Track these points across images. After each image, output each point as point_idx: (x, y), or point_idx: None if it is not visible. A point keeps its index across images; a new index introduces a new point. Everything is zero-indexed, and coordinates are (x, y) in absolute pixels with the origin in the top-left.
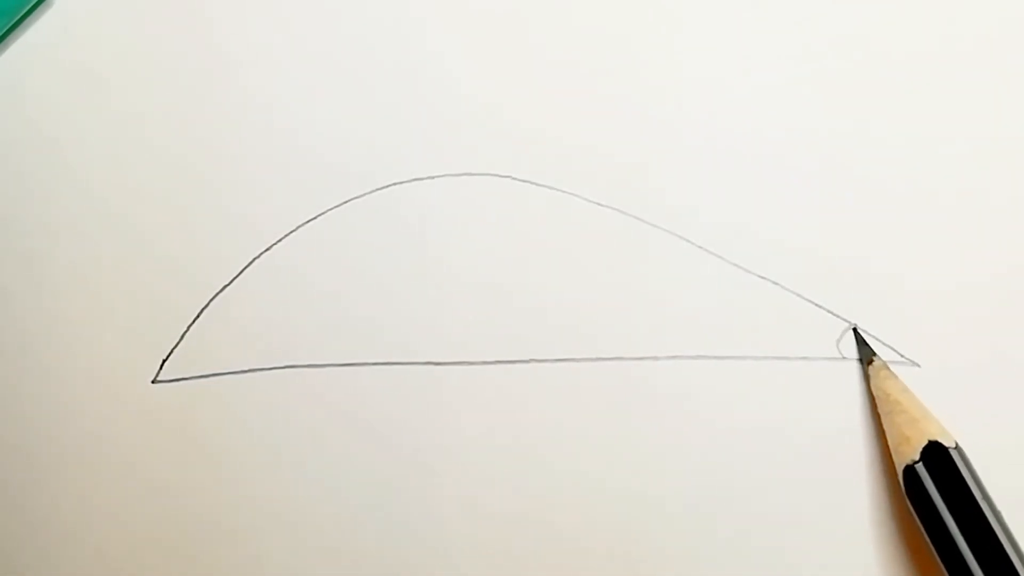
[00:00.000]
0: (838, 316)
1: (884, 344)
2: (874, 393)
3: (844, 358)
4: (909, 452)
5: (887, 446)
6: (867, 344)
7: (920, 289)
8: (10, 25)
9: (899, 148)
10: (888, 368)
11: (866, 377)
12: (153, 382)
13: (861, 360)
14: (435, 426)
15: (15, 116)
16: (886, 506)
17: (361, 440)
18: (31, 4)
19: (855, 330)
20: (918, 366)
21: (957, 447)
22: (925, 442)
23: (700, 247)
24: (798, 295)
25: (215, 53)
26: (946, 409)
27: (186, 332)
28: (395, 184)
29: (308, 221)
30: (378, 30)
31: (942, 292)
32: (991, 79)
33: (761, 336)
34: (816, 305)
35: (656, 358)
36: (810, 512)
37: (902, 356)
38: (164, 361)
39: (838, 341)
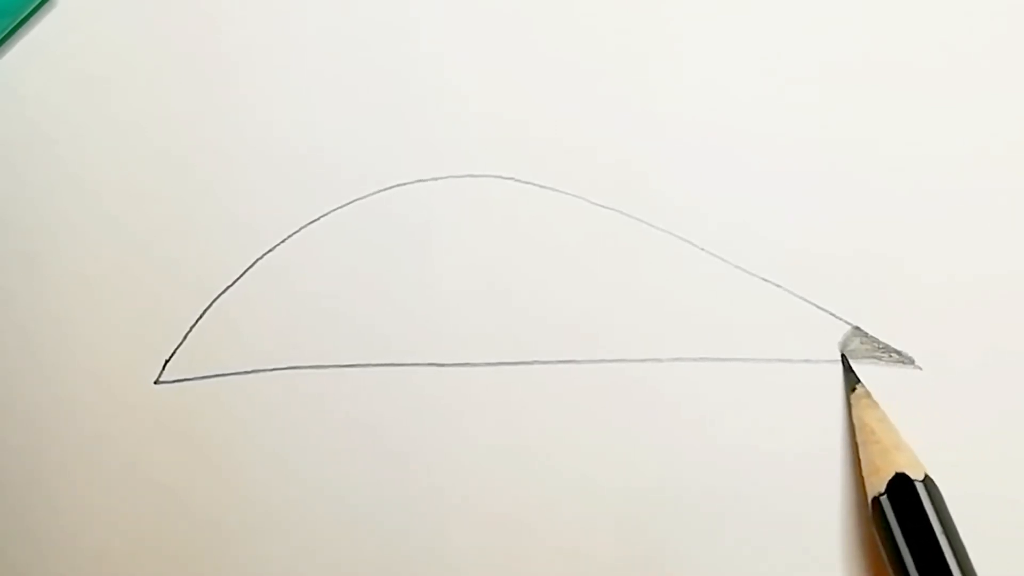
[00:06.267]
0: (840, 318)
1: (885, 345)
2: (854, 422)
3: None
4: (877, 484)
5: (862, 477)
6: (853, 371)
7: (921, 291)
8: (13, 25)
9: (900, 150)
10: (870, 396)
11: (848, 405)
12: (155, 383)
13: (846, 388)
14: (438, 427)
15: (17, 116)
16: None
17: (363, 441)
18: (34, 4)
19: (843, 357)
20: (919, 368)
21: (926, 479)
22: (892, 474)
23: (703, 249)
24: (800, 297)
25: (217, 54)
26: (946, 410)
27: (188, 333)
28: (398, 185)
29: (311, 222)
30: (380, 31)
31: (943, 294)
32: (991, 82)
33: (763, 338)
34: (818, 307)
35: (658, 360)
36: (808, 513)
37: (903, 358)
38: (166, 362)
39: (839, 342)
